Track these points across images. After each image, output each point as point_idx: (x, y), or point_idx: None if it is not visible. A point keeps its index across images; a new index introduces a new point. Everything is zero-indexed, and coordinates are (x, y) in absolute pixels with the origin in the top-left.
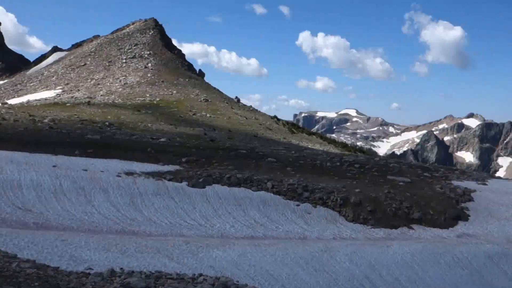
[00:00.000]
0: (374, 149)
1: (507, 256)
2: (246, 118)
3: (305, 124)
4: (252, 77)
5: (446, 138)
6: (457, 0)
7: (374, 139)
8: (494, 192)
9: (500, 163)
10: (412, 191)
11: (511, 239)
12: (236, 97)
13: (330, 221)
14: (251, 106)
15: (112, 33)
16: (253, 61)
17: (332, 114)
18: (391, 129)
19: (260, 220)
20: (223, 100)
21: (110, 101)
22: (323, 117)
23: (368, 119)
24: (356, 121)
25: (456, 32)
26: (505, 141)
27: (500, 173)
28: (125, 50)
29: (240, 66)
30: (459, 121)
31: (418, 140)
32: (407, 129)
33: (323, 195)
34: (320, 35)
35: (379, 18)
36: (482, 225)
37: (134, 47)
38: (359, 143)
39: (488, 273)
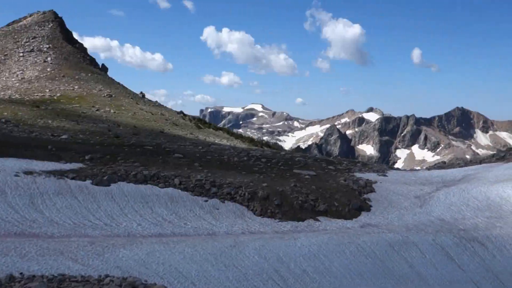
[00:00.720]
0: (280, 143)
1: (406, 244)
2: (152, 114)
3: (211, 120)
4: (157, 72)
5: (348, 132)
6: None
7: (279, 133)
8: (393, 183)
9: (398, 155)
10: (317, 184)
11: (410, 227)
12: (141, 93)
13: (238, 216)
14: (156, 101)
15: (8, 25)
16: (158, 56)
17: (238, 109)
18: (296, 123)
19: (168, 217)
20: (128, 95)
21: (6, 97)
22: (229, 112)
23: (274, 114)
24: (262, 116)
25: (355, 30)
26: (402, 134)
27: (399, 164)
28: (22, 43)
29: (145, 61)
30: (360, 115)
31: (322, 134)
32: (311, 123)
33: (231, 190)
34: (225, 30)
35: (282, 15)
36: (383, 214)
37: (32, 40)
38: (265, 138)
39: (389, 261)
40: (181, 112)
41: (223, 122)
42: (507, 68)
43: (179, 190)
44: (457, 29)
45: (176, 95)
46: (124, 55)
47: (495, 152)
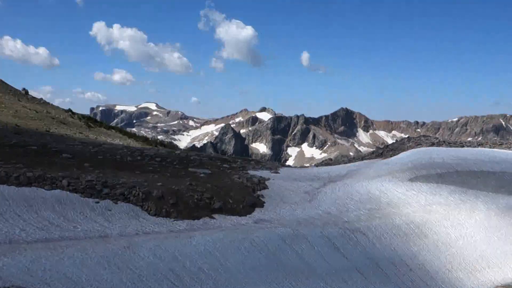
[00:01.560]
0: (175, 142)
1: (297, 237)
2: (37, 112)
3: (103, 118)
4: (42, 67)
5: (242, 131)
6: (249, 1)
7: (174, 132)
8: (285, 179)
9: (290, 153)
10: (212, 182)
11: (300, 221)
12: (24, 89)
13: (132, 217)
14: (41, 98)
15: None
16: (42, 50)
17: (132, 108)
18: (191, 122)
19: (55, 221)
20: (8, 91)
21: None
22: (122, 111)
23: (168, 112)
24: (157, 115)
25: (248, 31)
26: (293, 133)
27: (290, 162)
28: None
29: (27, 55)
30: (253, 115)
31: (217, 133)
32: (206, 122)
33: (125, 191)
34: (116, 26)
35: (176, 13)
36: (276, 210)
37: None
38: (160, 137)
39: (282, 255)
40: (70, 110)
41: (115, 121)
42: (384, 72)
43: (68, 192)
44: (342, 34)
45: (64, 93)
46: (3, 48)
47: (374, 150)
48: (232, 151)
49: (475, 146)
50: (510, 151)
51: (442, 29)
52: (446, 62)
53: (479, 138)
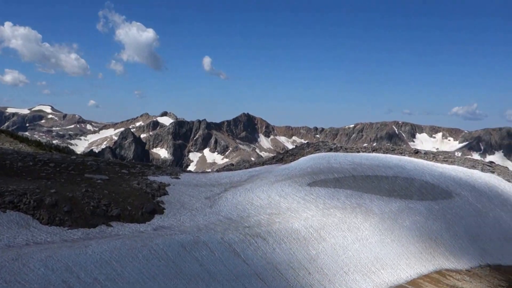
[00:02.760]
0: (71, 147)
1: (197, 244)
2: None
3: None
4: None
5: (142, 136)
6: (148, 3)
7: (71, 136)
8: (185, 185)
9: (191, 158)
10: (110, 188)
11: (200, 227)
12: None
13: (22, 226)
14: None
15: None
16: None
17: (24, 111)
18: (89, 126)
19: None
20: None
21: None
22: (14, 114)
23: (65, 116)
24: (52, 118)
25: (148, 34)
26: (194, 138)
27: (191, 167)
28: None
29: None
30: (154, 119)
31: (116, 138)
32: (105, 126)
33: (14, 198)
34: (8, 24)
35: (73, 13)
36: (176, 216)
37: None
38: (55, 141)
39: (181, 261)
40: None
41: (6, 124)
42: (283, 79)
43: None
44: (242, 41)
45: None
46: None
47: (275, 155)
48: (132, 156)
49: (370, 152)
50: (403, 157)
51: (340, 38)
52: (343, 72)
53: (374, 144)
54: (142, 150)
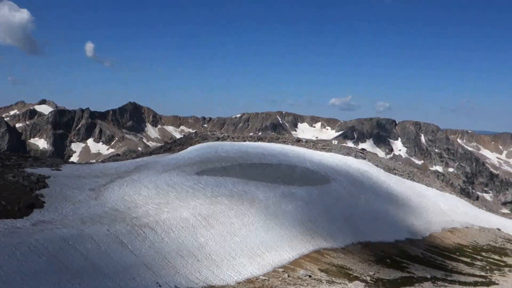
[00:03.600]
0: None
1: (82, 237)
2: None
3: None
4: None
5: (18, 125)
6: None
7: None
8: (68, 176)
9: (74, 149)
10: None
11: (85, 220)
12: None
13: None
14: None
15: None
16: None
17: None
18: None
19: None
20: None
21: None
22: None
23: None
24: None
25: (22, 15)
26: (77, 128)
27: (74, 158)
28: None
29: None
30: (32, 108)
31: None
32: None
33: None
34: None
35: None
36: (58, 210)
37: None
38: None
39: (64, 256)
40: None
41: None
42: (169, 68)
43: None
44: (126, 27)
45: None
46: None
47: (163, 144)
48: (6, 148)
49: (255, 141)
50: (286, 145)
51: (232, 29)
52: (231, 62)
53: (260, 133)
54: (18, 141)
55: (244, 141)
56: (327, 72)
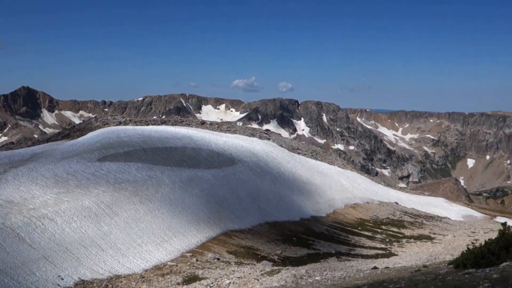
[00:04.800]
0: None
1: None
2: None
3: None
4: None
5: None
6: None
7: None
8: None
9: None
10: None
11: None
12: None
13: None
14: None
15: None
16: None
17: None
18: None
19: None
20: None
21: None
22: None
23: None
24: None
25: None
26: None
27: None
28: None
29: None
30: None
31: None
32: None
33: None
34: None
35: None
36: None
37: None
38: None
39: None
40: None
41: None
42: (63, 50)
43: None
44: (16, 5)
45: None
46: None
47: (60, 131)
48: None
49: (159, 124)
50: (190, 128)
51: (120, 8)
52: (129, 43)
53: (163, 117)
54: None
55: (147, 125)
56: (229, 53)
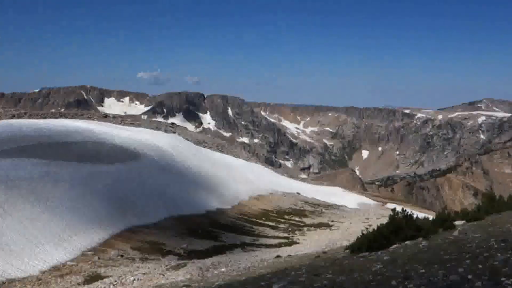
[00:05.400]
0: None
1: None
2: None
3: None
4: None
5: None
6: None
7: None
8: None
9: None
10: None
11: None
12: None
13: None
14: None
15: None
16: None
17: None
18: None
19: None
20: None
21: None
22: None
23: None
24: None
25: None
26: None
27: None
28: None
29: None
30: None
31: None
32: None
33: None
34: None
35: None
36: None
37: None
38: None
39: None
40: None
41: None
42: None
43: None
44: None
45: None
46: None
47: None
48: None
49: (57, 118)
50: (92, 121)
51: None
52: (25, 31)
53: (62, 110)
54: None
55: (45, 118)
56: (134, 44)
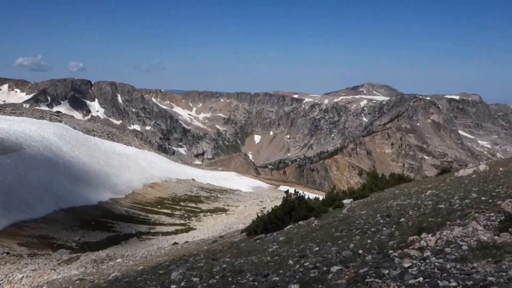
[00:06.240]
0: None
1: None
2: None
3: None
4: None
5: None
6: None
7: None
8: None
9: None
10: None
11: None
12: None
13: None
14: None
15: None
16: None
17: None
18: None
19: None
20: None
21: None
22: None
23: None
24: None
25: None
26: None
27: None
28: None
29: None
30: None
31: None
32: None
33: None
34: None
35: None
36: None
37: None
38: None
39: None
40: None
41: None
42: None
43: None
44: None
45: None
46: None
47: None
48: None
49: None
50: None
51: None
52: None
53: None
54: None
55: None
56: (12, 29)
